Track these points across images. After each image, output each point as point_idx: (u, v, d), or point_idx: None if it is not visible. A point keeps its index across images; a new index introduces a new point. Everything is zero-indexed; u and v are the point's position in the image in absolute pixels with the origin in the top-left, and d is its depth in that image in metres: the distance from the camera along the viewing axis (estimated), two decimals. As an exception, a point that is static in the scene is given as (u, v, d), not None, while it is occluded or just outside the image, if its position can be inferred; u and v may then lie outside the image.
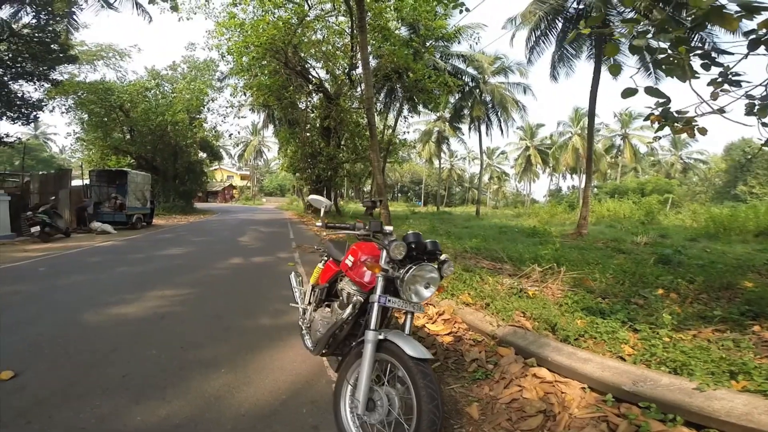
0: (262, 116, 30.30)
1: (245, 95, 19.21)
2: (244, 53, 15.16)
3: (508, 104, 24.22)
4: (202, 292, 5.05)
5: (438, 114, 28.26)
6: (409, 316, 1.92)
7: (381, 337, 1.76)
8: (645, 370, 2.10)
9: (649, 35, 3.38)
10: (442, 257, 1.94)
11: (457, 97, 23.24)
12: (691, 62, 3.60)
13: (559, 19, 13.88)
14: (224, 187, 61.21)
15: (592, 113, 13.65)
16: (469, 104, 24.16)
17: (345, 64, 16.97)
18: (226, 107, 21.21)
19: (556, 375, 2.34)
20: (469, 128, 27.17)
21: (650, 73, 12.88)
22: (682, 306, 4.28)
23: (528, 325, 3.07)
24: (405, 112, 21.52)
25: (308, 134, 22.07)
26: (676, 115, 4.30)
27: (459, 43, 19.00)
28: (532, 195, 52.22)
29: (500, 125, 25.15)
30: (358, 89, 19.61)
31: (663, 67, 3.59)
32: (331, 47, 16.61)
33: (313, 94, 20.52)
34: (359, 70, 18.02)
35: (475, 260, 7.41)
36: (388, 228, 1.99)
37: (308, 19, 14.85)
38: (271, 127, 31.01)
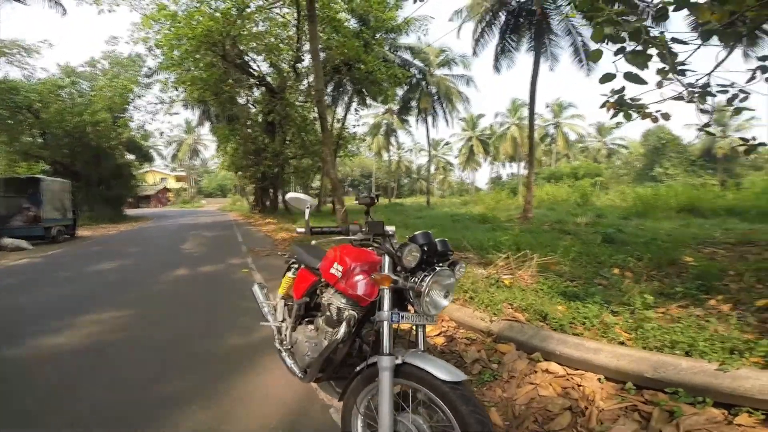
0: (198, 113, 28.22)
1: (177, 90, 17.66)
2: (176, 46, 13.93)
3: (452, 96, 24.80)
4: (148, 311, 4.38)
5: (387, 107, 28.22)
6: (420, 329, 1.62)
7: (399, 361, 1.46)
8: (660, 355, 2.06)
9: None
10: (452, 258, 1.68)
11: (404, 90, 23.29)
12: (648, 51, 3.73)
13: (503, 12, 14.31)
14: (158, 191, 56.47)
15: (532, 103, 14.31)
16: (417, 96, 24.37)
17: (290, 57, 16.22)
18: (156, 104, 19.35)
19: (566, 368, 2.24)
20: (417, 120, 27.51)
21: (582, 63, 13.73)
22: (640, 284, 4.52)
23: (521, 318, 2.98)
24: (354, 106, 21.15)
25: (250, 130, 20.92)
26: (630, 102, 4.49)
27: (407, 35, 18.98)
28: (475, 183, 54.46)
29: (445, 116, 25.73)
30: (305, 82, 18.87)
31: (627, 55, 3.69)
32: (274, 39, 15.73)
33: (255, 88, 19.41)
34: (306, 63, 17.38)
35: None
36: (390, 228, 1.67)
37: (249, 10, 13.89)
38: (207, 124, 29.00)
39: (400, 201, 36.96)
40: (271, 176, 21.99)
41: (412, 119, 28.33)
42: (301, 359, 2.11)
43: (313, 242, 2.25)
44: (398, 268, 1.57)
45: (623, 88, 4.41)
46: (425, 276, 1.50)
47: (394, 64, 17.46)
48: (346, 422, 1.68)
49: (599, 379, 2.09)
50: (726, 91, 4.41)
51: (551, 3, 13.07)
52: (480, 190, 49.57)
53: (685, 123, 36.19)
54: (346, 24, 15.21)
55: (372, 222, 1.65)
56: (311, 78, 18.46)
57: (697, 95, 4.64)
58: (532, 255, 4.74)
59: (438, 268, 1.53)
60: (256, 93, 20.14)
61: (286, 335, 2.42)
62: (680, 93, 4.49)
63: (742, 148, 4.74)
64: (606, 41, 3.73)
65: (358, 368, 1.64)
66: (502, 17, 14.33)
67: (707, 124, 5.16)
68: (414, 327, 1.64)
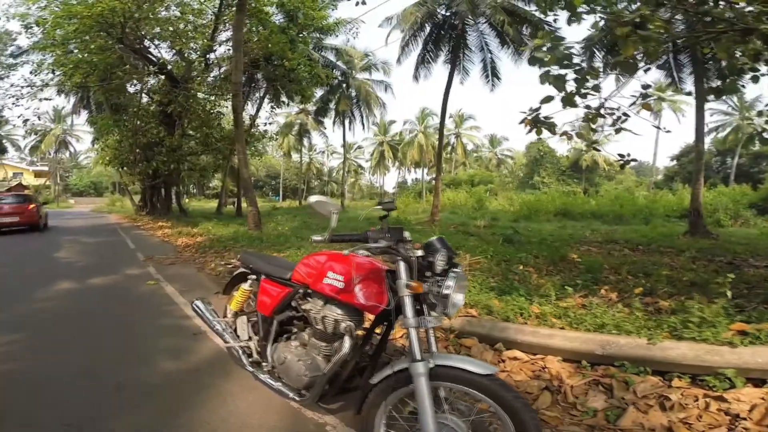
0: (73, 100, 23.77)
1: (54, 74, 14.77)
2: (62, 25, 11.92)
3: (371, 100, 25.28)
4: (37, 339, 3.48)
5: (301, 107, 27.47)
6: (431, 332, 1.64)
7: (431, 365, 1.47)
8: (602, 336, 2.44)
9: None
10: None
11: (324, 90, 22.95)
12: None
13: (429, 23, 15.16)
14: (10, 187, 45.66)
15: (443, 113, 15.43)
16: (336, 98, 24.24)
17: (202, 46, 14.77)
18: (22, 87, 15.68)
19: (528, 354, 2.51)
20: (334, 122, 27.35)
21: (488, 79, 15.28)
22: (543, 278, 5.25)
23: (474, 313, 3.22)
24: (267, 103, 20.09)
25: (141, 122, 18.39)
26: (543, 120, 5.17)
27: (336, 36, 18.78)
28: (384, 187, 56.31)
29: (362, 120, 26.11)
30: (215, 73, 17.43)
31: (550, 77, 4.30)
32: (185, 26, 14.17)
33: (152, 77, 17.17)
34: (219, 53, 16.08)
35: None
36: (407, 234, 1.68)
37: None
38: (85, 113, 24.62)
39: (311, 203, 36.22)
40: (165, 173, 19.61)
41: (328, 121, 28.19)
42: (296, 380, 1.93)
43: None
44: (413, 274, 1.56)
45: (540, 108, 5.08)
46: (449, 278, 1.53)
47: (317, 64, 17.12)
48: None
49: (558, 361, 2.39)
50: (613, 113, 5.36)
51: (471, 20, 14.36)
52: (388, 194, 51.36)
53: (559, 138, 42.75)
54: (272, 18, 14.52)
55: (394, 228, 1.66)
56: (222, 69, 17.10)
57: (591, 116, 5.57)
58: (465, 255, 5.11)
59: (454, 271, 1.57)
60: (153, 82, 17.86)
61: (265, 355, 2.19)
62: (585, 114, 5.32)
63: (618, 163, 5.80)
64: (537, 65, 4.28)
65: (376, 378, 1.59)
66: (428, 28, 15.19)
67: (595, 141, 6.19)
68: (425, 330, 1.63)
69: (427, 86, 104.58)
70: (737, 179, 28.06)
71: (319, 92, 21.88)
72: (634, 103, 5.04)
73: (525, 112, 5.11)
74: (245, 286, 2.44)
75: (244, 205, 22.53)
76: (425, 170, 44.15)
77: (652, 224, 16.74)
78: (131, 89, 18.20)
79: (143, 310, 4.43)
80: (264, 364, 2.20)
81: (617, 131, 5.43)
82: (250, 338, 2.36)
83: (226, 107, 21.57)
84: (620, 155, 5.67)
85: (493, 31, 14.34)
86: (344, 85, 24.08)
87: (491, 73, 15.28)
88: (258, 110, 20.50)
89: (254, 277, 2.38)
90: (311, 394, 1.85)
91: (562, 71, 4.31)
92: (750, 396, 1.99)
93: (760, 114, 4.65)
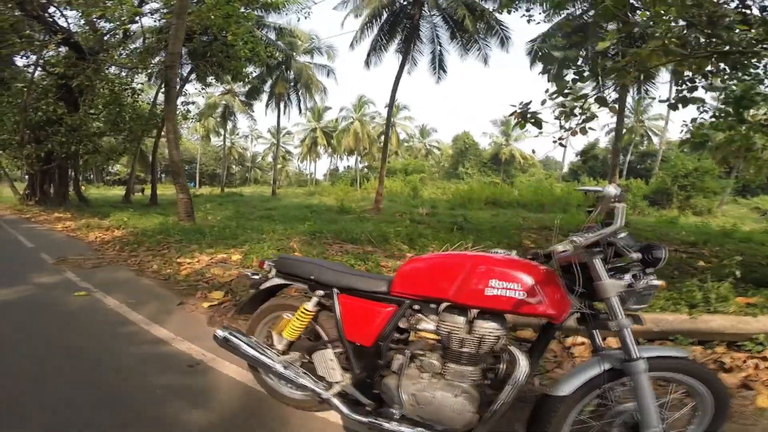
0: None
1: None
2: None
3: (312, 85, 24.11)
4: None
5: (228, 87, 25.16)
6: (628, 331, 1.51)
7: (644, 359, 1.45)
8: (649, 314, 2.67)
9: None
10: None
11: (259, 71, 21.25)
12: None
13: (387, 10, 14.83)
14: None
15: (392, 101, 15.45)
16: (273, 80, 22.61)
17: (128, 12, 12.53)
18: None
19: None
20: (267, 105, 25.57)
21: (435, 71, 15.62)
22: None
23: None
24: (192, 82, 18.02)
25: (31, 98, 15.23)
26: (531, 114, 5.46)
27: (286, 14, 17.37)
28: (315, 174, 54.94)
29: (299, 105, 24.87)
30: (132, 46, 15.07)
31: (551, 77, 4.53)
32: None
33: (53, 47, 14.27)
34: (147, 23, 13.89)
35: (338, 246, 7.22)
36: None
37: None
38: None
39: (237, 191, 33.87)
40: (62, 156, 16.58)
41: (259, 104, 26.28)
42: (454, 420, 1.59)
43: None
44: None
45: (530, 102, 5.34)
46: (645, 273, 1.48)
47: (260, 41, 15.75)
48: None
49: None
50: (585, 114, 5.85)
51: (427, 11, 14.44)
52: (320, 182, 50.26)
53: (482, 132, 45.87)
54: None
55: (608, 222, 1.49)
56: (143, 41, 14.86)
57: (564, 115, 6.01)
58: (467, 244, 5.19)
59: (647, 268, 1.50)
60: (51, 54, 14.88)
61: (370, 395, 1.77)
62: (560, 112, 5.70)
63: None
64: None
65: (567, 388, 1.50)
66: (385, 15, 14.88)
67: (561, 137, 6.70)
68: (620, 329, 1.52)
69: (367, 74, 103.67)
70: (628, 175, 32.92)
71: (254, 73, 20.32)
72: (604, 105, 5.55)
73: (515, 105, 5.36)
74: (309, 306, 1.91)
75: (162, 191, 20.17)
76: (359, 158, 44.02)
77: (570, 212, 18.91)
78: (21, 61, 14.98)
79: (93, 335, 3.14)
80: (393, 408, 1.70)
81: (582, 131, 5.97)
82: (342, 375, 1.85)
83: (141, 84, 18.86)
84: (537, 150, 6.25)
85: (446, 24, 14.67)
86: (283, 67, 22.64)
87: (439, 65, 15.67)
88: (181, 89, 18.35)
89: (321, 293, 1.88)
90: (478, 430, 1.57)
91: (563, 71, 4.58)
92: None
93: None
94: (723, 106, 6.93)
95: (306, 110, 28.03)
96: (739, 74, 5.13)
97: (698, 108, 6.53)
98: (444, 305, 1.66)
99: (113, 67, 15.81)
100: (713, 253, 7.94)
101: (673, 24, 3.83)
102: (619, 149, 14.48)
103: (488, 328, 1.55)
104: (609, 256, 1.49)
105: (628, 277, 1.47)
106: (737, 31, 3.17)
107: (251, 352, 1.99)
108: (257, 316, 2.18)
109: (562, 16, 9.12)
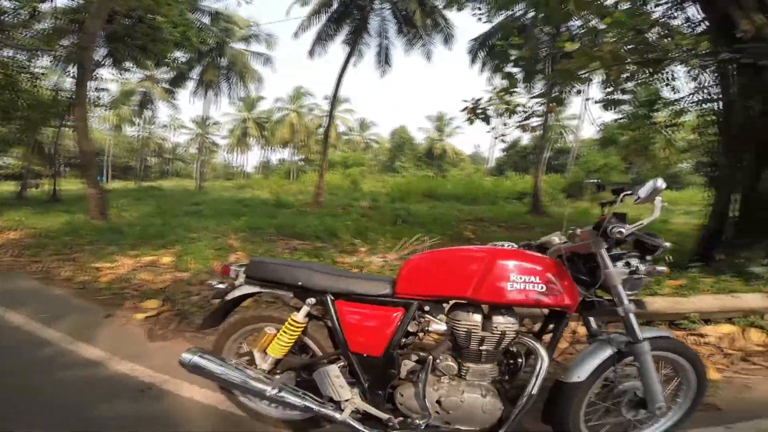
0: None
1: None
2: None
3: (247, 73, 22.40)
4: None
5: (147, 73, 22.42)
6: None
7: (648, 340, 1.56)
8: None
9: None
10: None
11: (188, 57, 19.22)
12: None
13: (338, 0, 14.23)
14: None
15: (335, 93, 15.02)
16: (203, 67, 20.56)
17: None
18: None
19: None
20: (194, 93, 23.24)
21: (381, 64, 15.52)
22: None
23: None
24: (108, 65, 15.74)
25: None
26: (480, 110, 5.64)
27: None
28: (245, 167, 51.79)
29: (230, 93, 23.05)
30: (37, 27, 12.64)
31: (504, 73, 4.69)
32: None
33: None
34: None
35: (283, 242, 6.86)
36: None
37: None
38: None
39: (156, 185, 30.75)
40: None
41: (184, 92, 23.85)
42: (484, 420, 1.57)
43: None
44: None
45: (480, 99, 5.48)
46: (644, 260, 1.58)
47: (193, 25, 14.18)
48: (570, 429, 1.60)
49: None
50: (527, 111, 6.17)
51: (379, 4, 14.17)
52: (250, 175, 47.60)
53: (418, 127, 46.97)
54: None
55: (618, 214, 1.54)
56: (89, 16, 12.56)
57: (509, 111, 6.28)
58: (424, 237, 5.19)
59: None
60: None
61: (384, 408, 1.64)
62: (506, 109, 5.93)
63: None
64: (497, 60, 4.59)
65: (580, 375, 1.57)
66: (335, 5, 14.27)
67: (503, 134, 7.02)
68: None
69: (309, 65, 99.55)
70: (547, 170, 35.92)
71: (181, 59, 18.39)
72: (546, 103, 5.92)
73: (467, 101, 5.47)
74: (298, 317, 1.66)
75: (64, 187, 17.46)
76: (294, 151, 42.39)
77: (499, 205, 20.17)
78: None
79: (3, 362, 2.55)
80: (419, 415, 1.59)
81: (525, 128, 6.32)
82: (354, 390, 1.68)
83: (44, 68, 16.08)
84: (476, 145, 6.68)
85: (394, 18, 14.55)
86: (216, 53, 20.76)
87: (384, 59, 15.58)
88: (91, 74, 15.98)
89: (313, 301, 1.67)
90: (509, 427, 1.56)
91: (514, 69, 4.75)
92: (712, 331, 2.65)
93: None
94: (635, 109, 7.74)
95: (238, 99, 26.20)
96: (655, 80, 5.78)
97: (616, 109, 7.19)
98: (451, 303, 1.61)
99: (8, 50, 13.29)
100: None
101: (609, 33, 4.12)
102: (544, 146, 15.71)
103: (506, 323, 1.54)
104: (612, 246, 1.56)
105: (621, 264, 1.55)
106: (669, 40, 3.54)
107: (235, 377, 1.68)
108: (224, 332, 1.85)
109: (503, 17, 9.60)
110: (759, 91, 4.18)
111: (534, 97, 4.99)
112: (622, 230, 1.47)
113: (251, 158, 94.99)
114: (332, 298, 1.65)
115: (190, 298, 3.55)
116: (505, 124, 6.28)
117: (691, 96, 6.37)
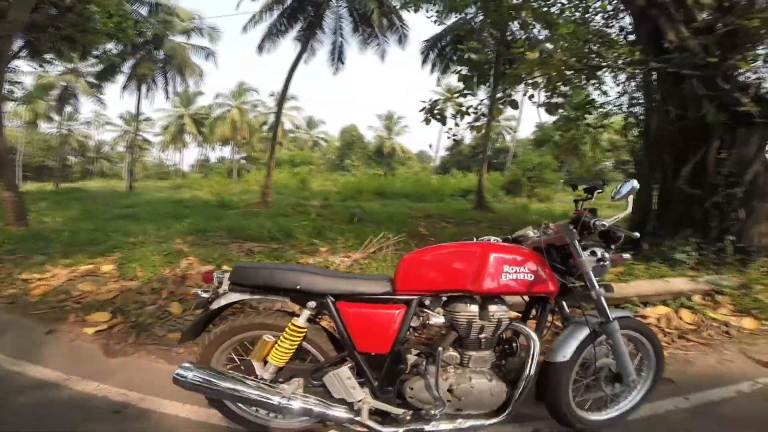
0: None
1: None
2: None
3: (187, 68, 20.70)
4: None
5: (70, 66, 19.90)
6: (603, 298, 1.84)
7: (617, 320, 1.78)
8: None
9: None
10: None
11: (120, 49, 17.37)
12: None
13: None
14: None
15: (285, 90, 14.53)
16: (136, 60, 18.61)
17: None
18: None
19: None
20: (124, 88, 21.02)
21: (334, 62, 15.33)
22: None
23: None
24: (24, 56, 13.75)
25: None
26: (436, 111, 5.83)
27: None
28: (180, 166, 48.31)
29: (166, 88, 21.21)
30: None
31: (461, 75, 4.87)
32: None
33: None
34: None
35: (236, 244, 6.55)
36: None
37: None
38: None
39: (78, 186, 27.76)
40: None
41: (113, 86, 21.52)
42: (492, 402, 1.69)
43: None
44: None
45: (438, 100, 5.65)
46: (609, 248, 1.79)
47: (130, 16, 12.79)
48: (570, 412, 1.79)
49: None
50: (476, 112, 6.47)
51: (336, 1, 13.82)
52: (186, 174, 44.61)
53: (368, 125, 46.98)
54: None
55: (592, 209, 1.78)
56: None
57: (460, 112, 6.54)
58: (389, 235, 5.22)
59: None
60: None
61: (394, 403, 1.67)
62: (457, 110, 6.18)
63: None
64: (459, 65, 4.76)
65: (564, 354, 1.75)
66: (289, 1, 13.67)
67: (455, 134, 7.31)
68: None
69: (255, 61, 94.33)
70: (488, 168, 37.74)
71: (113, 51, 16.61)
72: (491, 106, 6.25)
73: (425, 102, 5.62)
74: (300, 321, 1.61)
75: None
76: (236, 148, 40.32)
77: (446, 202, 20.89)
78: None
79: None
80: (435, 405, 1.63)
81: (474, 128, 6.63)
82: (366, 385, 1.69)
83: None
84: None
85: (350, 16, 14.32)
86: (152, 46, 18.98)
87: (338, 57, 15.33)
88: (7, 64, 13.91)
89: (314, 304, 1.63)
90: (514, 407, 1.69)
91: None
92: (651, 312, 3.00)
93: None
94: (568, 112, 8.38)
95: (174, 95, 24.27)
96: (587, 85, 6.34)
97: (553, 111, 7.76)
98: (447, 296, 1.70)
99: None
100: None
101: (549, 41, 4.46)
102: (487, 146, 16.54)
103: (501, 311, 1.67)
104: (582, 238, 1.76)
105: (587, 253, 1.75)
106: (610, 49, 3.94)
107: (241, 390, 1.60)
108: (212, 343, 1.74)
109: (453, 20, 9.94)
110: (678, 98, 4.79)
111: (494, 100, 5.27)
112: (605, 223, 1.69)
113: (187, 156, 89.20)
114: (333, 299, 1.64)
115: (145, 308, 3.28)
116: (457, 125, 6.56)
117: (616, 100, 7.11)
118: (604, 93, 6.89)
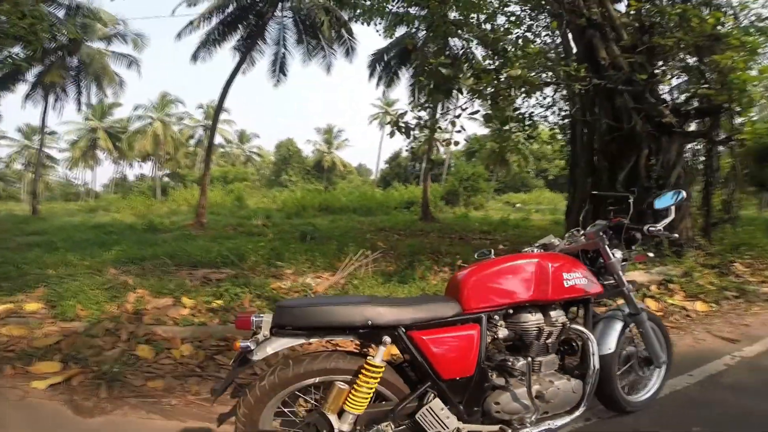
0: None
1: None
2: None
3: (105, 76, 18.37)
4: None
5: None
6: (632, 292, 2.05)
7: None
8: None
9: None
10: None
11: (26, 54, 14.95)
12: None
13: (234, 2, 12.88)
14: None
15: (221, 102, 13.77)
16: (45, 66, 16.05)
17: None
18: None
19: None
20: (26, 97, 18.03)
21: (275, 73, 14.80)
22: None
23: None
24: None
25: None
26: (402, 123, 5.93)
27: None
28: (92, 185, 42.95)
29: (79, 99, 18.67)
30: None
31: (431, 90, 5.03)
32: None
33: None
34: None
35: (188, 272, 5.91)
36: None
37: None
38: None
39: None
40: None
41: (12, 96, 18.39)
42: (575, 398, 1.78)
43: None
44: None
45: (405, 113, 5.71)
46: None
47: (46, 18, 11.03)
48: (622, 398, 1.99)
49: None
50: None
51: (281, 12, 13.29)
52: (99, 194, 39.92)
53: (306, 140, 46.04)
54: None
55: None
56: None
57: (427, 126, 6.68)
58: (366, 253, 5.11)
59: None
60: None
61: (519, 405, 1.64)
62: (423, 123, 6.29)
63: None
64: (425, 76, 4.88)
65: (610, 346, 1.93)
66: (230, 8, 12.87)
67: (412, 147, 7.47)
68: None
69: (186, 70, 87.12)
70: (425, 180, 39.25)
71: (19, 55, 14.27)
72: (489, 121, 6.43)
73: (392, 115, 5.66)
74: (376, 360, 1.42)
75: None
76: (158, 165, 36.96)
77: (392, 215, 21.16)
78: None
79: None
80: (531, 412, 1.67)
81: (447, 142, 6.78)
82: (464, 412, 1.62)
83: None
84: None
85: (295, 27, 13.94)
86: (64, 51, 16.63)
87: (279, 68, 14.85)
88: None
89: (389, 339, 1.46)
90: (587, 400, 1.80)
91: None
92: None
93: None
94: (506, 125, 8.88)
95: (86, 107, 21.56)
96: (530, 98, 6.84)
97: (491, 122, 8.13)
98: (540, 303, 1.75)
99: None
100: (504, 237, 10.44)
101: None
102: (432, 159, 17.14)
103: (561, 315, 1.77)
104: (612, 243, 2.00)
105: (618, 253, 1.96)
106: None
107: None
108: (259, 400, 1.45)
109: (401, 34, 10.23)
110: (611, 110, 5.41)
111: (473, 113, 5.44)
112: (657, 227, 1.96)
113: (101, 175, 79.83)
114: (404, 330, 1.51)
115: (104, 354, 2.80)
116: (414, 138, 6.69)
117: (544, 111, 7.74)
118: (541, 105, 7.50)
